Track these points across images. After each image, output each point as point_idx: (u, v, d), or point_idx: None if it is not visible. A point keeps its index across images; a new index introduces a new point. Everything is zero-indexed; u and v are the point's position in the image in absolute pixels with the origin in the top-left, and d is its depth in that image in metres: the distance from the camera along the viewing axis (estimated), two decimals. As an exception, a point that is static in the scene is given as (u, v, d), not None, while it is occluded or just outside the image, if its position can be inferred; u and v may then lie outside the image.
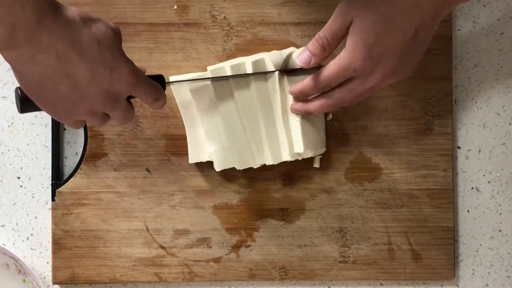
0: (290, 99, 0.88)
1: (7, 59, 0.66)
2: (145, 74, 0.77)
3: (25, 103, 0.72)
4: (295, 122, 0.88)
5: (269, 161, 0.88)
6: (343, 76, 0.79)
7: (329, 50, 0.81)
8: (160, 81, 0.78)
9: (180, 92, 0.88)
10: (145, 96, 0.75)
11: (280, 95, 0.88)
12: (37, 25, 0.64)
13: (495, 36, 0.95)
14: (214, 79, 0.86)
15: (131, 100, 0.75)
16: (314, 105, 0.84)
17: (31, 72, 0.67)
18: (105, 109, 0.72)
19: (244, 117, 0.87)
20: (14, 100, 0.89)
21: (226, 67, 0.87)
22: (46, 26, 0.64)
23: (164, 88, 0.79)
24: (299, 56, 0.83)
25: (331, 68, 0.80)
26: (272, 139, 0.88)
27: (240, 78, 0.87)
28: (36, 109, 0.73)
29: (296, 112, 0.87)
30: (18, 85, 0.71)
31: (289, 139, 0.88)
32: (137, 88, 0.72)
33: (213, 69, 0.87)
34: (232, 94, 0.87)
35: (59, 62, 0.66)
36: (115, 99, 0.71)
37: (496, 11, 0.95)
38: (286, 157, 0.88)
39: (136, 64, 0.74)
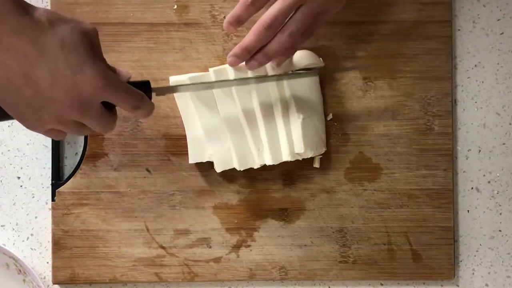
0: (290, 99, 0.88)
1: None
2: (130, 80, 0.74)
3: None
4: (296, 122, 0.88)
5: (269, 162, 0.88)
6: (290, 8, 0.79)
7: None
8: (145, 88, 0.75)
9: (180, 93, 0.88)
10: (121, 102, 0.71)
11: (279, 95, 0.88)
12: None
13: (495, 36, 0.95)
14: (214, 84, 0.86)
15: (126, 115, 0.73)
16: (271, 46, 0.82)
17: None
18: (74, 115, 0.69)
19: (244, 117, 0.87)
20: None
21: (228, 69, 0.87)
22: (8, 26, 0.63)
23: (150, 96, 0.76)
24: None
25: (275, 6, 0.80)
26: (272, 139, 0.88)
27: (241, 80, 0.87)
28: (9, 118, 0.71)
29: (256, 66, 0.84)
30: None
31: (289, 139, 0.88)
32: (107, 93, 0.69)
33: (215, 70, 0.87)
34: (232, 94, 0.87)
35: (19, 62, 0.65)
36: (83, 105, 0.68)
37: (496, 11, 0.95)
38: (286, 157, 0.88)
39: (119, 68, 0.72)
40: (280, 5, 0.80)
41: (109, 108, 0.72)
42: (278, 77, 0.87)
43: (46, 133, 0.72)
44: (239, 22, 0.83)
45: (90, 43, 0.69)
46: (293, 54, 0.86)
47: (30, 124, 0.70)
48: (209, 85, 0.86)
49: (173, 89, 0.83)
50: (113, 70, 0.75)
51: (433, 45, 0.93)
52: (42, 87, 0.66)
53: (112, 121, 0.73)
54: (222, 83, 0.86)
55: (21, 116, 0.69)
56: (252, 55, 0.84)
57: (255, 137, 0.88)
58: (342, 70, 0.92)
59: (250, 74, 0.87)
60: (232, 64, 0.85)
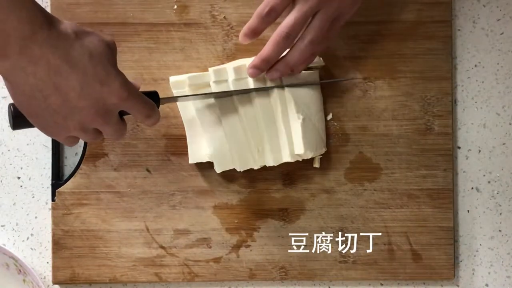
0: (290, 100, 0.88)
1: (0, 70, 0.67)
2: (139, 90, 0.76)
3: (17, 119, 0.73)
4: (296, 123, 0.88)
5: (270, 163, 0.88)
6: (306, 16, 0.81)
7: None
8: (154, 98, 0.78)
9: (180, 93, 0.88)
10: (137, 112, 0.74)
11: (279, 96, 0.88)
12: (29, 36, 0.64)
13: (495, 36, 0.95)
14: (217, 95, 0.86)
15: (125, 117, 0.75)
16: (292, 56, 0.84)
17: (22, 83, 0.67)
18: (96, 123, 0.71)
19: (244, 118, 0.87)
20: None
21: (228, 69, 0.87)
22: (38, 38, 0.65)
23: (158, 105, 0.79)
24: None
25: (292, 15, 0.81)
26: (272, 140, 0.88)
27: (240, 80, 0.87)
28: (29, 125, 0.73)
29: (277, 76, 0.86)
30: (11, 102, 0.71)
31: (289, 140, 0.88)
32: (128, 103, 0.72)
33: (215, 69, 0.87)
34: (232, 97, 0.88)
35: (50, 74, 0.66)
36: (106, 114, 0.71)
37: (496, 11, 0.95)
38: (286, 158, 0.88)
39: (131, 79, 0.74)
40: (296, 14, 0.81)
41: (120, 116, 0.75)
42: (279, 87, 0.87)
43: (64, 139, 0.74)
44: (255, 33, 0.84)
45: (112, 54, 0.71)
46: (313, 60, 0.87)
47: (53, 131, 0.72)
48: (211, 94, 0.86)
49: (176, 99, 0.85)
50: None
51: (433, 45, 0.93)
52: (71, 96, 0.68)
53: (125, 129, 0.76)
54: (224, 92, 0.87)
55: (43, 124, 0.71)
56: (272, 65, 0.85)
57: (255, 138, 0.88)
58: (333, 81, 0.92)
59: (250, 81, 0.87)
60: (253, 76, 0.86)
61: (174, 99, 0.86)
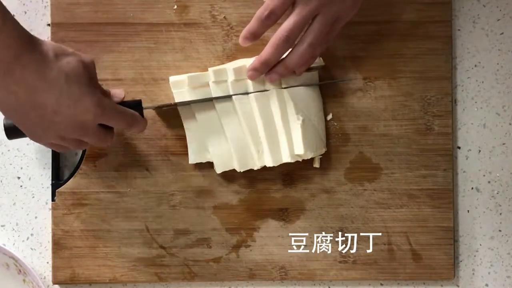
0: (289, 101, 0.88)
1: None
2: (124, 99, 0.83)
3: (9, 131, 0.81)
4: (295, 124, 0.88)
5: (269, 163, 0.88)
6: (306, 19, 0.81)
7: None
8: (137, 107, 0.83)
9: (180, 93, 0.88)
10: (116, 124, 0.80)
11: (279, 97, 0.88)
12: (13, 60, 0.71)
13: (495, 36, 0.95)
14: (215, 99, 0.87)
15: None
16: (292, 58, 0.85)
17: (5, 100, 0.73)
18: (74, 135, 0.78)
19: (244, 119, 0.87)
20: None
21: (227, 69, 0.87)
22: (21, 62, 0.71)
23: (142, 114, 0.83)
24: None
25: (291, 18, 0.82)
26: (272, 141, 0.88)
27: (240, 81, 0.87)
28: (22, 135, 0.80)
29: (276, 78, 0.86)
30: None
31: (289, 140, 0.88)
32: (104, 118, 0.78)
33: (215, 70, 0.87)
34: (232, 97, 0.88)
35: (28, 93, 0.73)
36: (82, 128, 0.77)
37: (496, 11, 0.95)
38: (286, 158, 0.88)
39: (114, 89, 0.82)
40: (296, 17, 0.81)
41: (106, 125, 0.80)
42: (282, 104, 0.88)
43: (50, 145, 0.81)
44: (255, 37, 0.85)
45: (89, 74, 0.77)
46: (313, 63, 0.87)
47: (36, 139, 0.79)
48: (211, 99, 0.87)
49: (170, 105, 0.88)
50: (108, 93, 0.83)
51: (433, 45, 0.93)
52: (47, 113, 0.74)
53: (109, 137, 0.81)
54: (221, 96, 0.88)
55: (28, 131, 0.78)
56: (272, 67, 0.86)
57: (255, 139, 0.88)
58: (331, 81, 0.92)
59: (250, 82, 0.87)
60: (252, 78, 0.87)
61: (166, 105, 0.88)
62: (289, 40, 0.83)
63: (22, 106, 0.73)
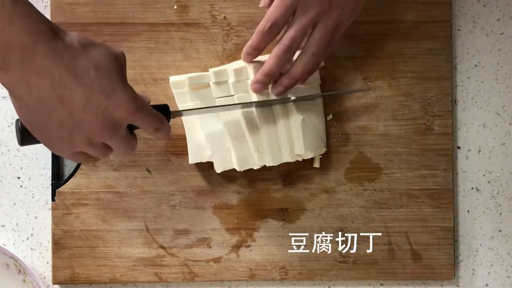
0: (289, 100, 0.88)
1: (3, 82, 0.66)
2: (150, 103, 0.76)
3: (25, 135, 0.71)
4: (295, 123, 0.88)
5: (269, 163, 0.88)
6: (306, 29, 0.81)
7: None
8: (164, 111, 0.77)
9: (180, 94, 0.88)
10: (146, 125, 0.73)
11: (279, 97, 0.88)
12: (31, 47, 0.63)
13: (495, 36, 0.95)
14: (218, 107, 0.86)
15: (136, 131, 0.75)
16: (296, 69, 0.85)
17: (26, 96, 0.65)
18: (104, 137, 0.70)
19: (243, 118, 0.87)
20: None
21: (228, 70, 0.87)
22: (41, 49, 0.64)
23: (168, 119, 0.78)
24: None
25: (292, 29, 0.82)
26: (272, 140, 0.88)
27: (241, 82, 0.87)
28: (36, 141, 0.71)
29: (282, 91, 0.86)
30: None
31: (289, 140, 0.88)
32: (136, 116, 0.70)
33: (215, 71, 0.87)
34: (233, 96, 0.88)
35: (54, 86, 0.65)
36: (113, 127, 0.69)
37: (496, 11, 0.95)
38: (286, 158, 0.88)
39: (140, 92, 0.73)
40: (297, 27, 0.81)
41: (129, 131, 0.74)
42: (283, 101, 0.87)
43: (72, 156, 0.73)
44: (258, 51, 0.85)
45: (120, 67, 0.70)
46: (316, 70, 0.87)
47: (59, 147, 0.71)
48: (215, 108, 0.86)
49: (188, 112, 0.84)
50: None
51: (433, 45, 0.93)
52: (76, 109, 0.67)
53: (135, 143, 0.75)
54: (230, 106, 0.87)
55: (49, 139, 0.70)
56: (276, 79, 0.86)
57: (255, 138, 0.88)
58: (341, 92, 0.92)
59: (251, 76, 0.87)
60: (256, 91, 0.86)
61: (186, 112, 0.84)
62: (291, 50, 0.83)
63: (46, 103, 0.65)
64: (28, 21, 0.63)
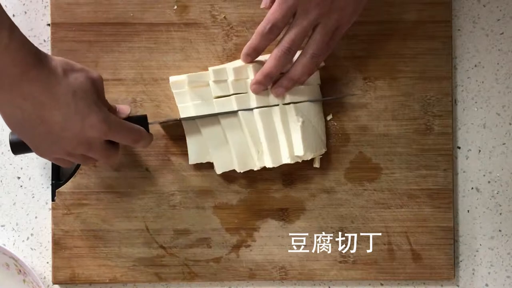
0: (288, 101, 0.88)
1: None
2: (129, 114, 0.84)
3: (16, 145, 0.81)
4: (295, 125, 0.88)
5: (269, 164, 0.88)
6: (306, 30, 0.82)
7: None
8: (143, 122, 0.83)
9: (180, 94, 0.88)
10: (122, 140, 0.81)
11: (278, 98, 0.88)
12: (20, 75, 0.71)
13: (495, 36, 0.95)
14: (219, 114, 0.87)
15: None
16: (295, 70, 0.85)
17: (12, 114, 0.73)
18: (80, 151, 0.78)
19: (243, 119, 0.87)
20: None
21: (227, 69, 0.87)
22: (28, 76, 0.71)
23: (147, 128, 0.84)
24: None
25: (292, 30, 0.82)
26: (271, 142, 0.88)
27: (240, 81, 0.87)
28: (28, 150, 0.80)
29: (282, 92, 0.86)
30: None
31: (289, 142, 0.88)
32: (110, 135, 0.78)
33: (214, 69, 0.87)
34: (231, 97, 0.87)
35: (35, 108, 0.73)
36: (89, 144, 0.77)
37: (496, 11, 0.95)
38: (286, 159, 0.88)
39: (118, 106, 0.82)
40: (297, 29, 0.82)
41: (112, 141, 0.81)
42: (282, 105, 0.87)
43: (56, 160, 0.82)
44: (258, 52, 0.85)
45: (96, 90, 0.78)
46: (315, 71, 0.88)
47: (42, 154, 0.79)
48: (215, 114, 0.87)
49: (176, 120, 0.88)
50: (113, 109, 0.84)
51: (433, 45, 0.93)
52: (55, 128, 0.75)
53: (115, 153, 0.82)
54: (227, 112, 0.87)
55: (35, 147, 0.78)
56: (276, 81, 0.86)
57: (254, 140, 0.88)
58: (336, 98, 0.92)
59: (250, 75, 0.87)
60: (256, 92, 0.87)
61: (172, 120, 0.88)
62: (291, 51, 0.83)
63: (28, 121, 0.73)
64: (20, 54, 0.70)
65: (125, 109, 0.85)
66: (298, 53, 0.85)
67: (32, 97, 0.72)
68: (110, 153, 0.81)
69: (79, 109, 0.75)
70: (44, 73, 0.72)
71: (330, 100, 0.92)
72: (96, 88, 0.78)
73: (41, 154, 0.79)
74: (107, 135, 0.78)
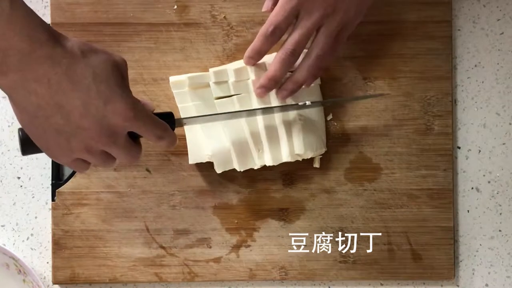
0: (289, 100, 0.88)
1: (2, 87, 0.66)
2: (154, 111, 0.75)
3: (26, 144, 0.72)
4: (295, 123, 0.88)
5: (269, 162, 0.88)
6: (310, 32, 0.81)
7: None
8: (169, 119, 0.76)
9: (180, 94, 0.88)
10: (147, 133, 0.72)
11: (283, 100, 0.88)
12: (29, 53, 0.63)
13: (495, 36, 0.95)
14: (221, 115, 0.86)
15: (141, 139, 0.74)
16: (300, 73, 0.84)
17: (24, 101, 0.66)
18: (102, 145, 0.69)
19: (245, 120, 0.87)
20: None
21: (228, 70, 0.87)
22: (40, 55, 0.64)
23: (173, 127, 0.77)
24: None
25: (295, 32, 0.81)
26: (272, 140, 0.88)
27: (241, 82, 0.87)
28: (37, 151, 0.71)
29: (287, 95, 0.85)
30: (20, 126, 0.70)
31: (289, 140, 0.88)
32: (135, 124, 0.69)
33: (215, 71, 0.87)
34: (232, 97, 0.88)
35: (52, 92, 0.65)
36: (111, 134, 0.69)
37: (496, 11, 0.95)
38: (286, 158, 0.88)
39: (143, 100, 0.73)
40: (300, 31, 0.81)
41: (133, 139, 0.72)
42: (284, 109, 0.87)
43: (71, 163, 0.72)
44: (261, 55, 0.85)
45: (120, 74, 0.69)
46: (320, 74, 0.87)
47: (57, 153, 0.70)
48: (218, 116, 0.85)
49: (186, 121, 0.83)
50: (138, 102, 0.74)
51: (433, 45, 0.93)
52: (73, 116, 0.67)
53: (137, 152, 0.73)
54: (229, 112, 0.86)
55: (47, 145, 0.70)
56: (281, 84, 0.85)
57: (255, 138, 0.88)
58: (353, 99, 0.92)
59: (251, 83, 0.87)
60: (260, 96, 0.86)
61: (189, 120, 0.84)
62: (295, 54, 0.82)
63: (44, 108, 0.66)
64: (27, 27, 0.63)
65: (149, 104, 0.76)
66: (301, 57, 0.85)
67: (47, 79, 0.64)
68: (133, 149, 0.72)
69: (101, 92, 0.66)
70: (58, 52, 0.65)
71: (334, 102, 0.92)
72: (120, 71, 0.69)
73: (54, 154, 0.71)
74: (132, 125, 0.69)
